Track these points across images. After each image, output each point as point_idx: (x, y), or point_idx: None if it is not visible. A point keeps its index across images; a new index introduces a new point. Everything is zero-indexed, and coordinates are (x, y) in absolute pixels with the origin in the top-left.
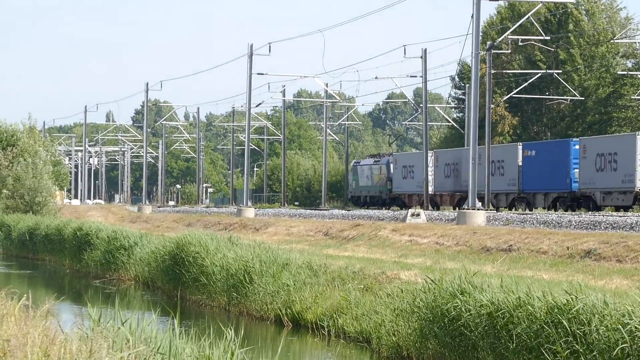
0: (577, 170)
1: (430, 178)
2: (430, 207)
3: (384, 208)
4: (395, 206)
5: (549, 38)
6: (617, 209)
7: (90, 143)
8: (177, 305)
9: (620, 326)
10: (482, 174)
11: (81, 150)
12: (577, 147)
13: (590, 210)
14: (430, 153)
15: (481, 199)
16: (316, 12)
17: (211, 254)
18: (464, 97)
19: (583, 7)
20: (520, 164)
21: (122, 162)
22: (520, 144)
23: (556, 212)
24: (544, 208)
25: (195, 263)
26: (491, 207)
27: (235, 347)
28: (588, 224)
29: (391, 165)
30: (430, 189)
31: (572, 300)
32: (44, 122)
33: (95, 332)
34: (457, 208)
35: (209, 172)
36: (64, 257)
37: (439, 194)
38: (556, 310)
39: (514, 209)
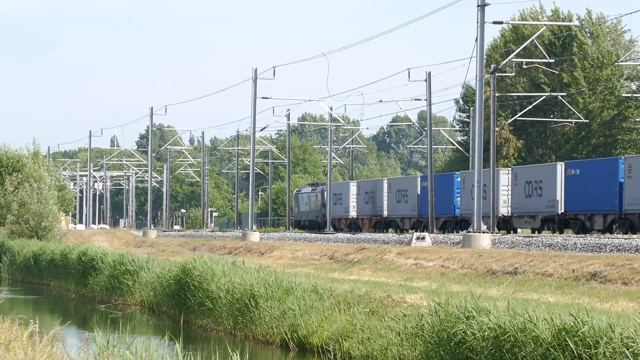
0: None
1: (354, 204)
2: (351, 229)
3: (319, 231)
4: (330, 229)
5: (553, 61)
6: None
7: (95, 168)
8: (181, 330)
9: (625, 349)
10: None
11: (86, 175)
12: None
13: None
14: (353, 183)
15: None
16: (320, 35)
17: (217, 278)
18: (468, 120)
19: (587, 30)
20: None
21: (126, 187)
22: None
23: (561, 235)
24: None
25: (200, 287)
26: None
27: None
28: (593, 246)
29: (325, 193)
30: (354, 214)
31: (578, 322)
32: (49, 147)
33: (101, 357)
34: (375, 229)
35: (213, 196)
36: (69, 282)
37: (360, 218)
38: (563, 333)
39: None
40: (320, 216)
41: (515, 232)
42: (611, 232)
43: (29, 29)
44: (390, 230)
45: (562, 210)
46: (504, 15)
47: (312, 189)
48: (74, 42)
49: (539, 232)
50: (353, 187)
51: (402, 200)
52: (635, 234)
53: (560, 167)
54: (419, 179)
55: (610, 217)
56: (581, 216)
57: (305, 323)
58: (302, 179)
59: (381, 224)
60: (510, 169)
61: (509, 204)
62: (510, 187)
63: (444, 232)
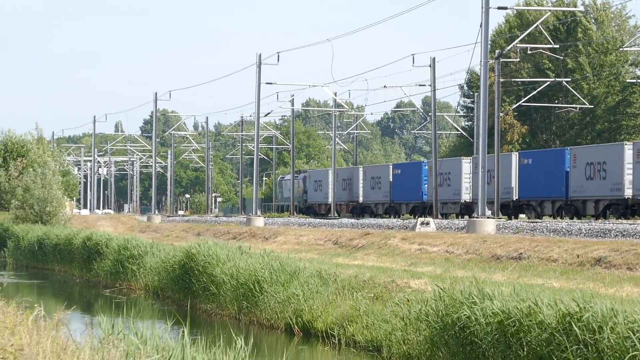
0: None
1: (330, 190)
2: (332, 213)
3: (300, 215)
4: (311, 214)
5: (557, 46)
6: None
7: (100, 153)
8: (187, 315)
9: (631, 333)
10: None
11: (90, 161)
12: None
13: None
14: (331, 170)
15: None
16: (324, 21)
17: (221, 263)
18: (472, 105)
19: (592, 16)
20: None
21: (131, 172)
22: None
23: (566, 221)
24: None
25: (205, 272)
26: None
27: (245, 356)
28: (598, 232)
29: (306, 180)
30: (330, 199)
31: (583, 307)
32: (53, 132)
33: (106, 341)
34: (352, 214)
35: (217, 181)
36: (74, 267)
37: (338, 204)
38: (568, 318)
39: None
40: (302, 201)
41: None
42: (562, 217)
43: (31, 16)
44: (365, 215)
45: (517, 197)
46: (508, 1)
47: (295, 176)
48: (78, 29)
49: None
50: (331, 175)
51: (375, 187)
52: (580, 219)
53: (515, 156)
54: (391, 166)
55: (558, 204)
56: (533, 202)
57: (309, 308)
58: (306, 164)
59: (357, 210)
60: (471, 158)
61: (470, 190)
62: (471, 175)
63: (414, 217)
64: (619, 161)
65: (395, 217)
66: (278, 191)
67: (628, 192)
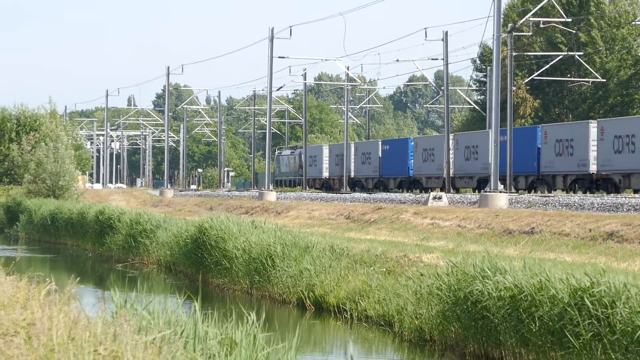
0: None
1: (327, 165)
2: (323, 188)
3: (298, 187)
4: (347, 189)
5: (570, 20)
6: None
7: (112, 127)
8: (199, 289)
9: None
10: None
11: (103, 135)
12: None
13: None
14: (325, 146)
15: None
16: None
17: (233, 238)
18: (485, 79)
19: None
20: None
21: (143, 147)
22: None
23: (578, 195)
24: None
25: (217, 247)
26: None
27: (257, 331)
28: (610, 206)
29: (302, 156)
30: (326, 174)
31: (595, 282)
32: (65, 106)
33: (119, 315)
34: (347, 188)
35: (230, 156)
36: (86, 241)
37: (332, 178)
38: (579, 292)
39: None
40: (297, 176)
41: (457, 192)
42: (535, 191)
43: None
44: (356, 189)
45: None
46: None
47: (291, 152)
48: (90, 1)
49: (477, 191)
50: (325, 150)
51: (366, 162)
52: (550, 192)
53: (491, 133)
54: (380, 142)
55: (530, 178)
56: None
57: (321, 282)
58: (319, 138)
59: (349, 184)
60: (453, 134)
61: (453, 166)
62: (453, 151)
63: (401, 191)
64: (585, 139)
65: (385, 192)
66: (275, 166)
67: (593, 168)
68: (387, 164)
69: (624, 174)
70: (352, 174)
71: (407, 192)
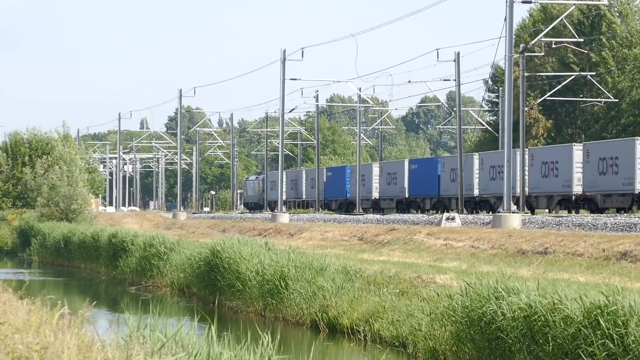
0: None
1: (284, 189)
2: (284, 209)
3: (262, 211)
4: (269, 209)
5: (582, 40)
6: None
7: (125, 150)
8: (214, 312)
9: None
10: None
11: (115, 158)
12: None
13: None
14: (284, 173)
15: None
16: (349, 16)
17: (246, 260)
18: (497, 100)
19: (616, 9)
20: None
21: (156, 169)
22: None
23: (591, 215)
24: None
25: (230, 269)
26: (530, 210)
27: (272, 353)
28: (623, 226)
29: (265, 181)
30: (285, 197)
31: (609, 301)
32: (78, 130)
33: (132, 338)
34: (298, 208)
35: (243, 178)
36: (100, 264)
37: (289, 199)
38: (595, 312)
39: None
40: (261, 199)
41: (479, 212)
42: (435, 211)
43: (55, 9)
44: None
45: (407, 195)
46: None
47: (256, 177)
48: (102, 25)
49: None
50: (376, 169)
51: (315, 187)
52: (447, 212)
53: (406, 162)
54: (325, 170)
55: (433, 200)
56: (417, 199)
57: (335, 304)
58: (332, 160)
59: (302, 205)
60: (378, 163)
61: (378, 189)
62: (378, 177)
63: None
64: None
65: (324, 209)
66: (244, 190)
67: (577, 189)
68: (330, 188)
69: (547, 196)
70: (304, 197)
71: (446, 213)
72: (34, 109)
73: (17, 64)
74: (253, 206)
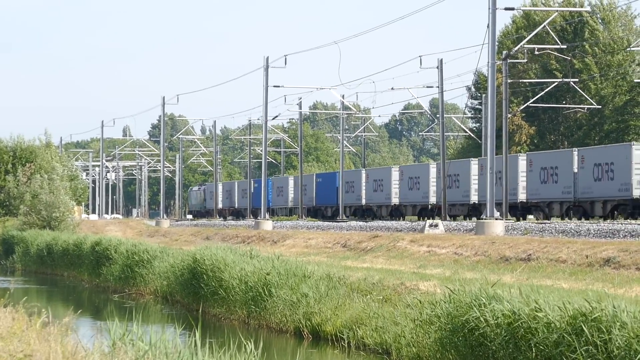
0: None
1: (220, 199)
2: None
3: (205, 218)
4: (209, 217)
5: (565, 47)
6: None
7: (108, 158)
8: (198, 319)
9: None
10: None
11: (98, 165)
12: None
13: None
14: (220, 185)
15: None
16: (331, 23)
17: (229, 267)
18: (480, 107)
19: (598, 16)
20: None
21: (139, 177)
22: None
23: (574, 222)
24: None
25: (213, 276)
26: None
27: None
28: (607, 232)
29: (205, 191)
30: (220, 205)
31: (592, 308)
32: (61, 137)
33: (116, 347)
34: (233, 216)
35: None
36: (83, 272)
37: (224, 208)
38: (579, 318)
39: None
40: (203, 208)
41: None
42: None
43: (38, 18)
44: (240, 217)
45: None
46: (515, 2)
47: (199, 187)
48: (86, 33)
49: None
50: (291, 181)
51: (245, 196)
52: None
53: (363, 172)
54: (252, 182)
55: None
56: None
57: (319, 311)
58: (315, 167)
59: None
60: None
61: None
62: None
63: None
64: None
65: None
66: (188, 199)
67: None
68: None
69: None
70: (236, 206)
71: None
72: (17, 115)
73: (4, 70)
74: (196, 214)
